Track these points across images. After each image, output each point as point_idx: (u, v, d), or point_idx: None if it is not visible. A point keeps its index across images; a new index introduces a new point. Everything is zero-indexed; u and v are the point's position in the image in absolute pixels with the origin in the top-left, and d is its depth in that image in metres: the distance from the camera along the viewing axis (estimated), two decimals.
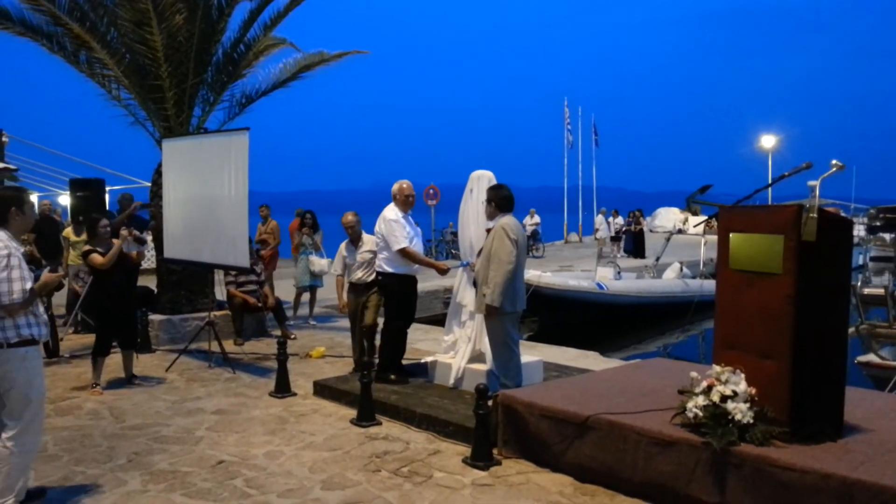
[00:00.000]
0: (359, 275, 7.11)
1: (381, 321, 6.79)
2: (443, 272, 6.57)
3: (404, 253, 6.33)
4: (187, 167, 8.25)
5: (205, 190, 7.87)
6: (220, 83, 10.21)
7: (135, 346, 7.26)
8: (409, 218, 6.62)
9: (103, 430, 5.51)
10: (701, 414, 3.96)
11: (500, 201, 5.70)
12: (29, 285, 3.81)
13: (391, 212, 6.48)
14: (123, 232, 6.86)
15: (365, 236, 7.21)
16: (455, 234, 25.62)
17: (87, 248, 6.72)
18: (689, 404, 4.06)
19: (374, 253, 6.75)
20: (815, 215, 3.80)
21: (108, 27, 9.41)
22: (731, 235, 4.31)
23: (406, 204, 6.54)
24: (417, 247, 6.51)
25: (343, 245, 7.36)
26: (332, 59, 11.13)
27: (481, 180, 6.29)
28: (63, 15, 8.96)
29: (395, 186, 6.63)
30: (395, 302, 6.49)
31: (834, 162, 3.92)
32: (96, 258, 6.58)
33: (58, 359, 7.60)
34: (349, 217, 7.28)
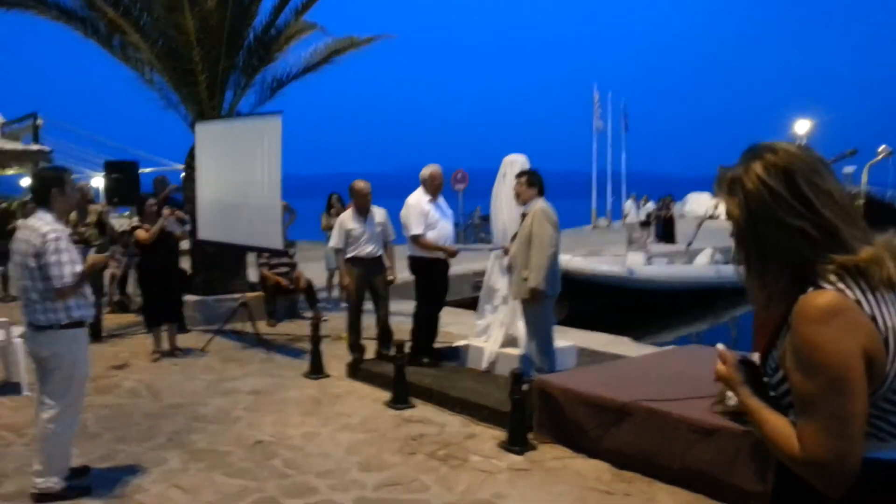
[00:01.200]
0: (368, 249, 6.64)
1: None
2: (451, 255, 6.40)
3: (415, 240, 6.36)
4: (221, 150, 8.31)
5: (238, 173, 7.92)
6: (252, 67, 10.23)
7: (178, 319, 7.60)
8: (440, 202, 6.58)
9: (142, 408, 5.60)
10: None
11: (540, 184, 5.67)
12: (78, 268, 3.86)
13: (413, 197, 6.47)
14: (165, 211, 7.15)
15: (374, 208, 6.77)
16: (484, 217, 25.58)
17: (135, 224, 7.19)
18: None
19: (383, 225, 6.70)
20: (864, 200, 3.72)
21: (140, 12, 9.46)
22: None
23: (435, 189, 6.50)
24: (444, 231, 6.42)
25: (347, 216, 6.73)
26: (362, 43, 11.09)
27: (514, 165, 6.23)
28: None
29: (426, 171, 6.54)
30: (423, 285, 6.48)
31: (882, 147, 3.82)
32: (140, 234, 7.05)
33: (100, 341, 7.73)
34: (361, 184, 6.78)
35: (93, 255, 4.18)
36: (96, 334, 7.66)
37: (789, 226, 1.42)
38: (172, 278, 7.32)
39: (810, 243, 1.42)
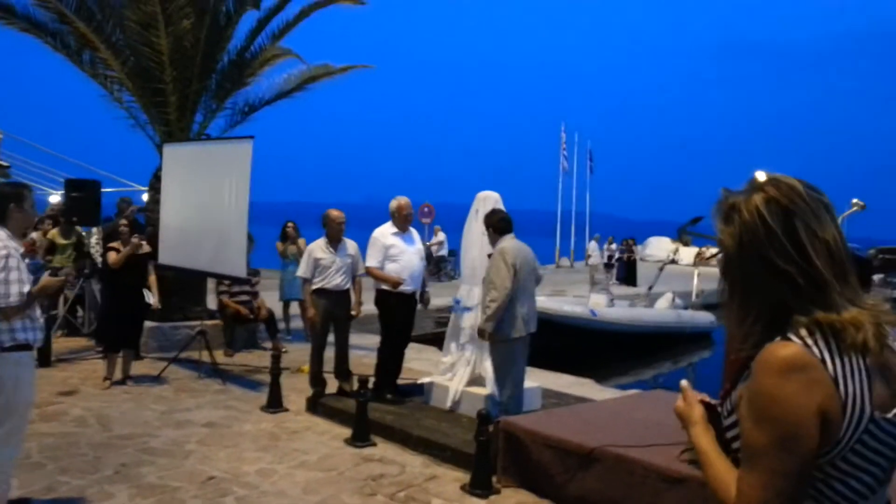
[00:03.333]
0: (337, 280, 6.46)
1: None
2: (394, 286, 6.22)
3: (368, 272, 6.34)
4: (188, 173, 8.14)
5: (204, 197, 7.75)
6: (224, 90, 10.12)
7: (136, 347, 7.36)
8: (411, 235, 6.51)
9: (90, 438, 5.34)
10: None
11: (496, 224, 5.59)
12: (27, 288, 3.66)
13: (379, 229, 6.42)
14: (135, 239, 6.94)
15: (346, 240, 6.67)
16: (451, 252, 25.59)
17: (111, 245, 7.07)
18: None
19: (353, 258, 6.59)
20: None
21: (113, 28, 9.31)
22: None
23: (402, 220, 6.43)
24: (408, 264, 6.31)
25: (317, 245, 6.55)
26: (337, 72, 11.08)
27: (487, 201, 6.21)
28: (70, 13, 8.86)
29: (394, 203, 6.46)
30: (387, 320, 6.37)
31: (854, 201, 3.86)
32: (111, 256, 6.92)
33: (41, 372, 7.36)
34: (335, 213, 6.63)
35: (46, 278, 3.98)
36: (45, 360, 7.32)
37: (777, 268, 1.35)
38: (137, 302, 7.04)
39: (795, 291, 1.35)
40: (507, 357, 5.46)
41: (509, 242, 5.49)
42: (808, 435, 1.29)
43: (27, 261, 8.61)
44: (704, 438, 1.47)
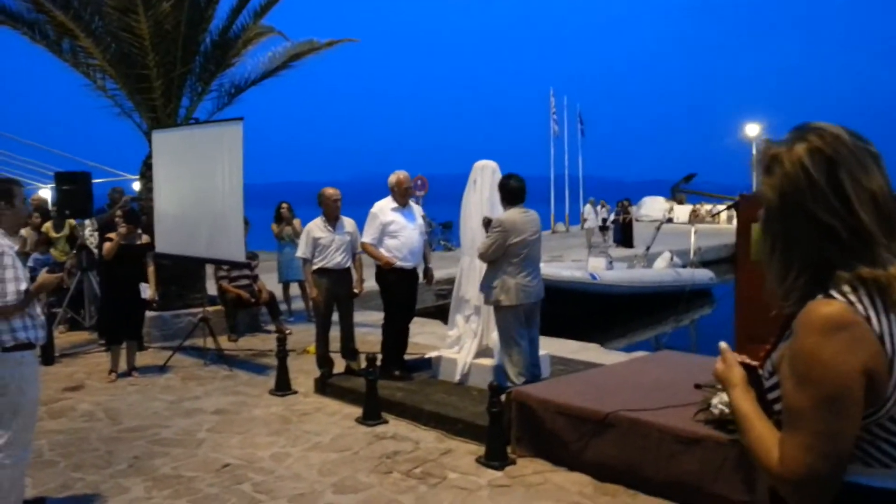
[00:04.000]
0: (337, 259, 6.38)
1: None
2: (386, 266, 6.18)
3: (363, 248, 6.33)
4: (178, 159, 8.02)
5: (197, 182, 7.66)
6: (209, 73, 9.94)
7: (139, 337, 7.29)
8: (411, 209, 6.44)
9: (100, 432, 5.32)
10: (727, 410, 3.85)
11: (504, 194, 5.60)
12: (24, 286, 3.60)
13: (378, 203, 6.36)
14: (121, 229, 6.78)
15: (343, 217, 6.58)
16: (444, 225, 25.48)
17: (108, 236, 6.94)
18: (714, 400, 3.95)
19: (352, 235, 6.51)
20: None
21: (92, 15, 9.10)
22: (753, 226, 4.20)
23: (402, 194, 6.36)
24: (408, 239, 6.24)
25: (315, 224, 6.46)
26: (322, 47, 10.88)
27: (485, 171, 6.15)
28: (46, 2, 8.64)
29: (393, 178, 6.38)
30: (389, 296, 6.33)
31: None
32: (106, 246, 6.84)
33: (46, 369, 7.28)
34: (331, 191, 6.55)
35: (43, 275, 3.92)
36: (48, 358, 7.25)
37: (819, 221, 1.30)
38: (136, 293, 6.92)
39: (838, 246, 1.30)
40: (502, 325, 5.49)
41: (511, 212, 5.45)
42: (852, 395, 1.25)
43: (38, 257, 8.61)
44: (745, 401, 1.42)
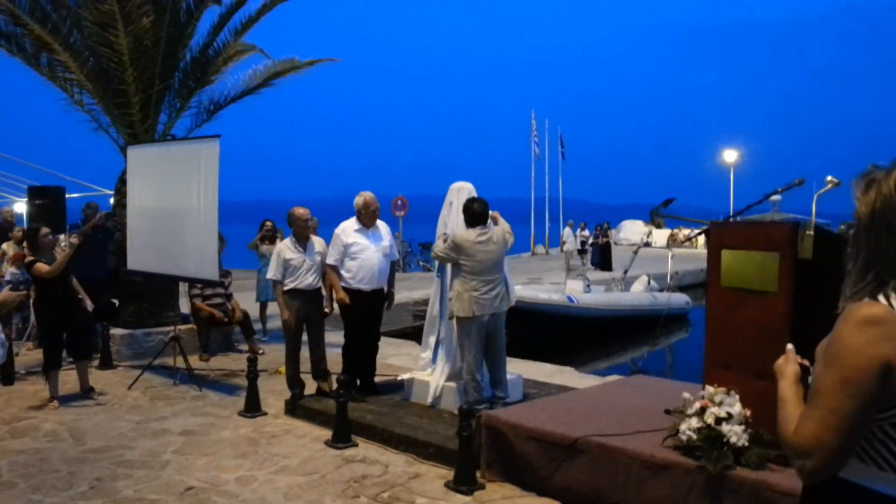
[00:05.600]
0: (309, 280, 6.31)
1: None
2: (340, 301, 6.20)
3: (326, 273, 6.32)
4: (154, 175, 7.96)
5: (172, 199, 7.59)
6: (188, 89, 9.91)
7: (88, 356, 6.98)
8: (378, 231, 6.40)
9: (63, 453, 5.20)
10: (695, 437, 3.85)
11: (466, 217, 5.76)
12: None
13: (342, 225, 6.34)
14: (73, 239, 6.65)
15: (314, 237, 6.54)
16: (422, 245, 25.47)
17: (31, 258, 6.56)
18: (682, 426, 3.94)
19: (322, 255, 6.44)
20: (812, 232, 3.74)
21: (71, 29, 9.06)
22: (722, 252, 4.22)
23: (369, 217, 6.33)
24: (367, 262, 6.19)
25: (285, 245, 6.39)
26: (303, 66, 10.90)
27: (461, 192, 6.15)
28: (24, 15, 8.58)
29: (359, 199, 6.35)
30: (345, 317, 6.28)
31: (829, 178, 3.84)
32: (41, 267, 6.42)
33: (10, 387, 7.09)
34: (301, 211, 6.43)
35: (5, 293, 3.85)
36: (7, 377, 7.04)
37: None
38: (73, 308, 6.63)
39: None
40: (459, 335, 5.62)
41: (463, 234, 5.62)
42: (868, 382, 1.42)
43: (15, 272, 8.39)
44: (789, 389, 1.63)
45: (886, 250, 1.49)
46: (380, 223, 6.45)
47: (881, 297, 1.48)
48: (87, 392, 6.73)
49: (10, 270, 8.77)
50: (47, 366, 6.52)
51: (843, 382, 1.44)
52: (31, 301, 7.08)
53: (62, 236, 9.25)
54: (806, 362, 1.67)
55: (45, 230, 6.71)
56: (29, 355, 8.41)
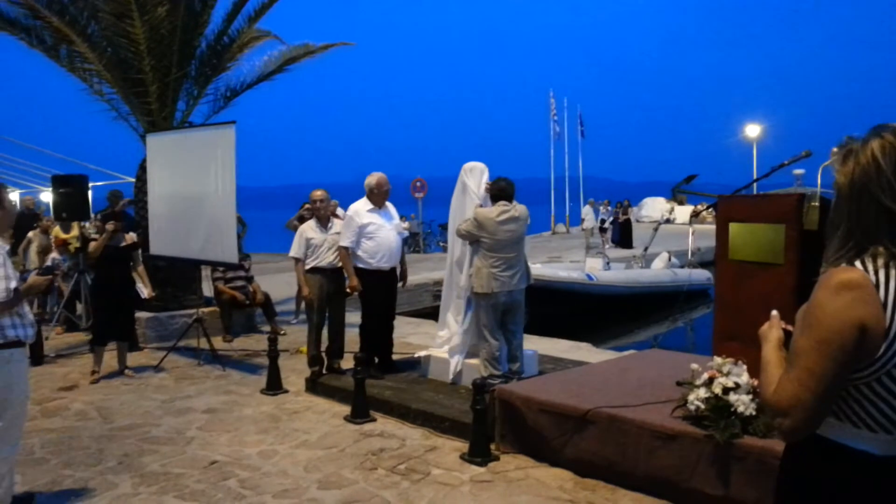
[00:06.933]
0: (329, 258, 6.46)
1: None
2: (352, 290, 6.30)
3: (340, 257, 6.37)
4: (173, 162, 8.11)
5: (191, 185, 7.74)
6: (205, 76, 10.04)
7: (129, 338, 7.33)
8: (388, 211, 6.49)
9: (91, 431, 5.39)
10: (703, 406, 3.92)
11: (492, 193, 5.87)
12: (13, 284, 3.68)
13: (354, 206, 6.42)
14: (109, 226, 6.86)
15: (334, 218, 6.79)
16: (441, 226, 25.56)
17: (93, 236, 7.05)
18: (691, 397, 4.01)
19: (341, 234, 6.53)
20: (818, 203, 3.76)
21: (88, 20, 9.21)
22: (730, 225, 4.26)
23: (381, 197, 6.41)
24: (385, 242, 6.28)
25: (307, 226, 6.64)
26: (317, 51, 10.96)
27: (473, 172, 6.21)
28: (42, 8, 8.75)
29: (371, 180, 6.41)
30: (364, 296, 6.35)
31: (834, 149, 3.85)
32: (90, 245, 6.90)
33: (41, 366, 7.36)
34: (319, 193, 6.74)
35: (34, 277, 4.00)
36: (37, 358, 7.30)
37: (881, 204, 1.52)
38: (124, 294, 7.02)
39: (890, 228, 1.52)
40: (477, 315, 5.75)
41: (484, 212, 5.71)
42: (844, 343, 1.48)
43: (56, 257, 8.77)
44: (771, 352, 1.69)
45: (867, 218, 1.53)
46: (387, 203, 6.54)
47: (858, 263, 1.53)
48: (122, 371, 7.03)
49: (51, 256, 9.13)
50: (94, 341, 7.00)
51: (819, 344, 1.49)
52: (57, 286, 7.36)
53: (88, 223, 9.49)
54: (790, 328, 1.73)
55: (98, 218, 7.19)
56: (59, 339, 8.67)
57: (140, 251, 7.59)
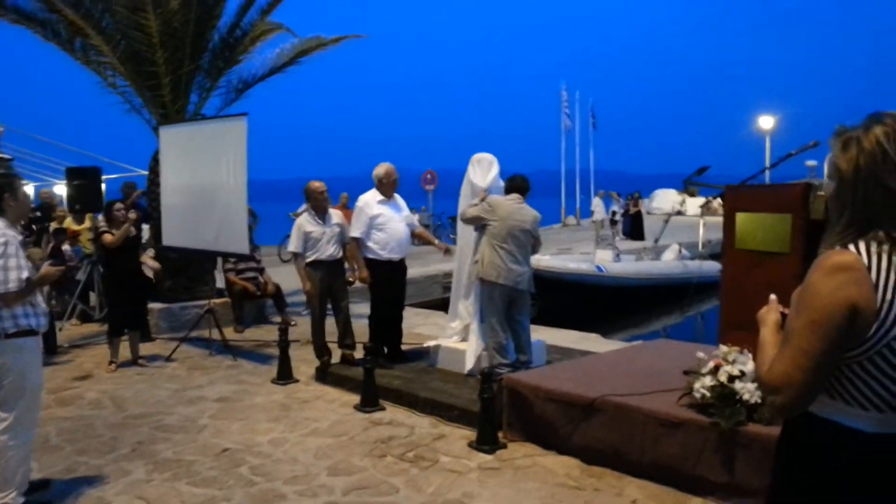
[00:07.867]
0: (330, 250, 6.45)
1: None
2: (362, 281, 6.37)
3: (349, 249, 6.44)
4: (185, 154, 8.19)
5: (203, 176, 7.81)
6: (217, 69, 10.10)
7: (142, 328, 7.44)
8: (397, 202, 6.52)
9: (105, 419, 5.48)
10: (708, 394, 3.94)
11: (507, 187, 5.93)
12: (26, 274, 3.75)
13: (363, 196, 6.45)
14: (132, 214, 7.03)
15: (331, 210, 6.75)
16: (452, 218, 25.55)
17: (103, 229, 7.02)
18: (697, 385, 4.04)
19: (341, 226, 6.59)
20: (823, 192, 3.77)
21: (102, 13, 9.28)
22: (737, 215, 4.27)
23: (389, 187, 6.43)
24: (395, 233, 6.33)
25: (304, 219, 6.54)
26: (329, 43, 11.00)
27: (481, 163, 6.24)
28: (57, 1, 8.83)
29: (380, 170, 6.43)
30: (374, 287, 6.40)
31: (831, 140, 3.86)
32: (107, 237, 6.89)
33: (55, 356, 7.45)
34: (316, 184, 6.68)
35: (46, 267, 4.07)
36: (50, 348, 7.38)
37: (887, 187, 1.55)
38: (138, 284, 7.13)
39: (894, 208, 1.55)
40: (481, 303, 5.79)
41: (499, 198, 5.77)
42: (835, 323, 1.52)
43: (67, 248, 8.92)
44: (769, 335, 1.73)
45: (874, 202, 1.56)
46: (395, 194, 6.57)
47: (851, 247, 1.56)
48: (135, 361, 7.12)
49: (64, 248, 9.25)
50: (111, 332, 7.07)
51: (812, 324, 1.54)
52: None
53: (100, 216, 9.59)
54: (787, 310, 1.76)
55: (118, 205, 7.19)
56: (73, 330, 8.78)
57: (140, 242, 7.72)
